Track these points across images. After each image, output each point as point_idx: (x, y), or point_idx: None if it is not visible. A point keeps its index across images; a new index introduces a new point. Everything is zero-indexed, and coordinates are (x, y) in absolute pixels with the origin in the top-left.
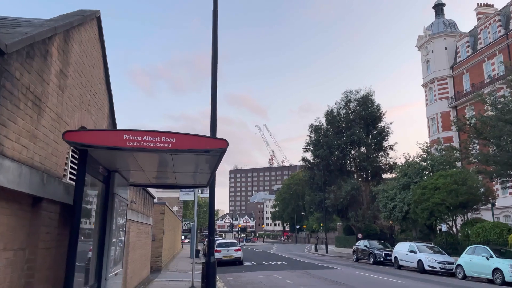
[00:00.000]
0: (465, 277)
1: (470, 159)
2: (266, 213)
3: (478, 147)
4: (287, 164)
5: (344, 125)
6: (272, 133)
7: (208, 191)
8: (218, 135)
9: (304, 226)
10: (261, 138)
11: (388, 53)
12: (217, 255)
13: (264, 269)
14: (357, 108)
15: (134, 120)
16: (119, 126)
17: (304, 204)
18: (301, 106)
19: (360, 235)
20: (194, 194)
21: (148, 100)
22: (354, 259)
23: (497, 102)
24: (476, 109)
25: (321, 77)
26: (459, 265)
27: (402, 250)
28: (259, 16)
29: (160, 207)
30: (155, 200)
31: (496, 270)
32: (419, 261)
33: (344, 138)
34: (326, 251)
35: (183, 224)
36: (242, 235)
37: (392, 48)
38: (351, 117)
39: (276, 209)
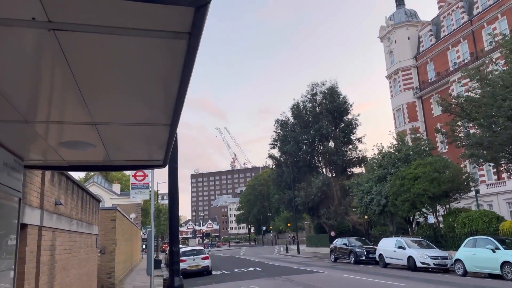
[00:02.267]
0: (465, 273)
1: (460, 142)
2: (230, 216)
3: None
4: (249, 166)
5: (311, 119)
6: (233, 135)
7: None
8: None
9: (271, 228)
10: (222, 141)
11: (350, 47)
12: (182, 265)
13: (237, 278)
14: (324, 100)
15: None
16: None
17: (270, 205)
18: (261, 107)
19: (333, 233)
20: (150, 191)
21: None
22: (332, 259)
23: (489, 78)
24: (442, 96)
25: (280, 78)
26: (458, 260)
27: (388, 246)
28: (214, 17)
29: (110, 213)
30: (103, 204)
31: (505, 263)
32: (410, 257)
33: (312, 132)
34: (298, 252)
35: (143, 233)
36: (207, 240)
37: (355, 41)
38: (317, 110)
39: (241, 211)
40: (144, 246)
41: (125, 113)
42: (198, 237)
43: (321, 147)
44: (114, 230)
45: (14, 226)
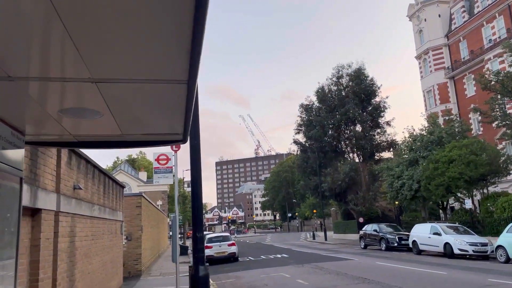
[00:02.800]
0: (508, 260)
1: (501, 121)
2: (255, 203)
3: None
4: (273, 153)
5: (337, 102)
6: (256, 123)
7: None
8: (201, 128)
9: (296, 214)
10: (246, 129)
11: (377, 28)
12: (208, 252)
13: (265, 265)
14: (350, 83)
15: None
16: None
17: (295, 191)
18: (284, 94)
19: (361, 219)
20: (174, 175)
21: None
22: (362, 246)
23: None
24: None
25: (304, 62)
26: (500, 247)
27: (422, 232)
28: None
29: (135, 200)
30: (128, 190)
31: None
32: (447, 244)
33: (338, 116)
34: (325, 239)
35: (170, 220)
36: (232, 227)
37: (381, 21)
38: (343, 94)
39: (266, 198)
40: (171, 233)
41: (129, 66)
42: (223, 223)
43: (348, 131)
44: (140, 216)
45: (15, 209)
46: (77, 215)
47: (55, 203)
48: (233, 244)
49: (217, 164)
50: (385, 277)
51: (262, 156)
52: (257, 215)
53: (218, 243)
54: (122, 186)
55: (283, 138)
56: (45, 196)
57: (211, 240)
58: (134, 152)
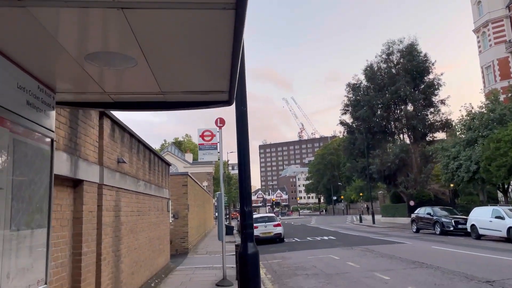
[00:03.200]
0: None
1: None
2: (299, 186)
3: None
4: (317, 136)
5: (386, 81)
6: (300, 105)
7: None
8: None
9: (342, 197)
10: (289, 112)
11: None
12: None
13: (311, 246)
14: (401, 60)
15: None
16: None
17: (340, 174)
18: (328, 75)
19: (412, 202)
20: (219, 152)
21: None
22: (414, 230)
23: None
24: None
25: (350, 41)
26: None
27: (482, 216)
28: None
29: (181, 179)
30: (174, 169)
31: None
32: (510, 228)
33: (388, 95)
34: (373, 222)
35: (215, 200)
36: (276, 209)
37: None
38: (394, 71)
39: (310, 181)
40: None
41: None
42: (268, 206)
43: (398, 111)
44: (186, 195)
45: (45, 173)
46: (121, 190)
47: (98, 175)
48: (278, 225)
49: (260, 147)
50: (445, 262)
51: (305, 139)
52: (301, 198)
53: (264, 224)
54: (168, 164)
55: (328, 121)
56: (87, 167)
57: (256, 220)
58: (180, 135)
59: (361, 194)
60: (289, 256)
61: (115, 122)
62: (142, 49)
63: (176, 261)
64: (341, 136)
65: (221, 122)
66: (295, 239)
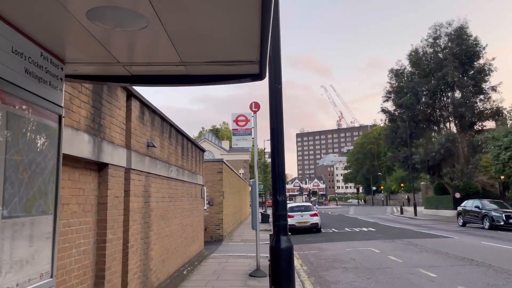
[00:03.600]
0: None
1: None
2: (337, 175)
3: None
4: (356, 124)
5: (432, 66)
6: (339, 93)
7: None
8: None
9: (382, 188)
10: (328, 99)
11: None
12: (289, 221)
13: (349, 238)
14: (449, 44)
15: (198, 88)
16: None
17: (380, 164)
18: (369, 61)
19: (457, 195)
20: (253, 138)
21: None
22: (460, 223)
23: None
24: None
25: (392, 26)
26: None
27: None
28: None
29: (216, 165)
30: (211, 156)
31: None
32: None
33: (433, 81)
34: (415, 214)
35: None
36: (313, 198)
37: None
38: (441, 56)
39: (349, 170)
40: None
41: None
42: (304, 194)
43: (445, 98)
44: (221, 182)
45: (51, 153)
46: (151, 175)
47: (125, 159)
48: (315, 215)
49: (297, 135)
50: (497, 259)
51: (344, 127)
52: (338, 187)
53: (300, 213)
54: (202, 150)
55: (368, 110)
56: (113, 150)
57: (292, 209)
58: (218, 122)
59: (402, 185)
60: (326, 248)
61: (145, 104)
62: (152, 4)
63: (210, 248)
64: (382, 125)
65: (256, 106)
66: (333, 229)
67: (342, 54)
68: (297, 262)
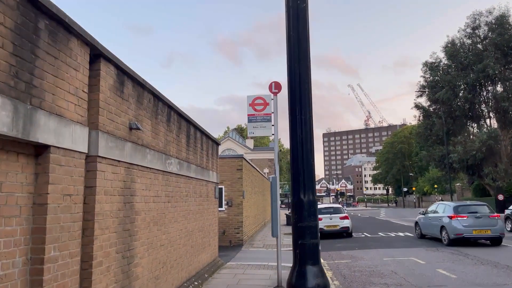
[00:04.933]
0: None
1: None
2: (365, 176)
3: None
4: (385, 124)
5: (471, 58)
6: (367, 93)
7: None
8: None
9: (413, 189)
10: (355, 99)
11: None
12: None
13: (386, 245)
14: (490, 34)
15: (224, 89)
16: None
17: (412, 164)
18: (397, 60)
19: (501, 197)
20: (273, 125)
21: (236, 69)
22: (509, 229)
23: None
24: None
25: (422, 21)
26: None
27: None
28: None
29: (235, 162)
30: (223, 149)
31: None
32: None
33: (472, 74)
34: None
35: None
36: (341, 199)
37: None
38: (480, 47)
39: (378, 171)
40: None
41: None
42: (332, 195)
43: (485, 92)
44: (241, 180)
45: None
46: (137, 167)
47: (87, 141)
48: (346, 217)
49: (324, 135)
50: None
51: (372, 127)
52: (367, 188)
53: (329, 215)
54: (216, 143)
55: (396, 109)
56: (59, 127)
57: (320, 211)
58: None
59: (435, 186)
60: (360, 256)
61: (125, 72)
62: None
63: (227, 255)
64: (415, 122)
65: (276, 87)
66: (365, 234)
67: (368, 53)
68: (328, 274)
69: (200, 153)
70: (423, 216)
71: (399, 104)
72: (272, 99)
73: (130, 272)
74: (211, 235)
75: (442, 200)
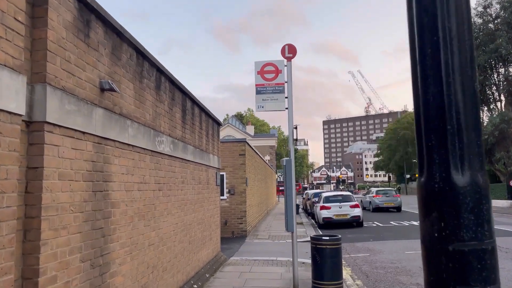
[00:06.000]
0: None
1: None
2: (366, 163)
3: None
4: (385, 111)
5: (482, 38)
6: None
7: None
8: (305, 87)
9: (417, 176)
10: (355, 86)
11: None
12: (325, 213)
13: (403, 235)
14: (502, 12)
15: (223, 77)
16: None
17: (415, 151)
18: (397, 45)
19: None
20: (287, 97)
21: (234, 56)
22: None
23: None
24: None
25: None
26: None
27: None
28: None
29: (238, 147)
30: (222, 135)
31: None
32: None
33: (483, 55)
34: None
35: (278, 176)
36: (342, 187)
37: None
38: (492, 27)
39: (380, 158)
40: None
41: None
42: (332, 183)
43: (496, 75)
44: (244, 166)
45: None
46: (114, 143)
47: (23, 98)
48: (356, 206)
49: (324, 123)
50: None
51: (373, 114)
52: (367, 175)
53: (338, 204)
54: (217, 122)
55: (397, 96)
56: None
57: (328, 199)
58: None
59: None
60: (378, 249)
61: (93, 10)
62: None
63: (230, 249)
64: None
65: (290, 51)
66: (375, 223)
67: (368, 38)
68: (345, 273)
69: (199, 132)
70: None
71: (400, 90)
72: (286, 66)
73: (105, 285)
74: (212, 227)
75: None
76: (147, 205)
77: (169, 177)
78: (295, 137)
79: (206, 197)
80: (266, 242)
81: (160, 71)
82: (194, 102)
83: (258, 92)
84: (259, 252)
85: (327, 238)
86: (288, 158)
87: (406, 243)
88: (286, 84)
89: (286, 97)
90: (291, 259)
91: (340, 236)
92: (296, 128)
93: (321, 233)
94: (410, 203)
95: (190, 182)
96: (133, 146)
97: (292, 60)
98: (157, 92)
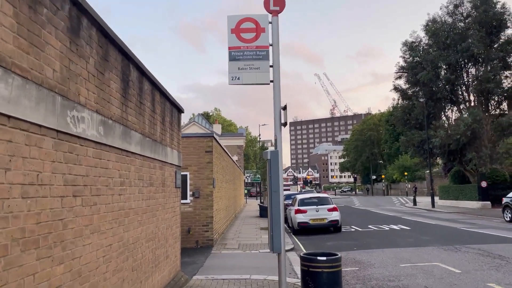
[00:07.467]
0: None
1: None
2: (331, 164)
3: None
4: (350, 113)
5: (453, 37)
6: (332, 82)
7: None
8: (271, 88)
9: (383, 177)
10: (321, 88)
11: None
12: (301, 217)
13: (388, 242)
14: (473, 11)
15: (188, 77)
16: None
17: (381, 152)
18: (360, 50)
19: (484, 183)
20: (272, 66)
21: (199, 56)
22: (508, 218)
23: None
24: None
25: (384, 14)
26: None
27: None
28: None
29: (204, 142)
30: (190, 129)
31: None
32: None
33: (454, 54)
34: (433, 205)
35: (246, 176)
36: (308, 188)
37: None
38: (463, 26)
39: (346, 159)
40: (246, 191)
41: None
42: (299, 184)
43: (465, 74)
44: (211, 165)
45: None
46: (13, 118)
47: None
48: (335, 209)
49: (291, 124)
50: None
51: (338, 116)
52: (332, 176)
53: (315, 207)
54: (178, 108)
55: (360, 100)
56: None
57: (303, 202)
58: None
59: (405, 173)
60: (366, 261)
61: None
62: None
63: (193, 263)
64: (395, 103)
65: (276, 2)
66: (353, 227)
67: (332, 41)
68: None
69: (151, 117)
70: None
71: (363, 94)
72: (271, 23)
73: None
74: (169, 242)
75: (416, 187)
76: (47, 223)
77: (97, 176)
78: (283, 121)
79: (161, 203)
80: (236, 253)
81: (109, 37)
82: (144, 74)
83: (232, 58)
84: (229, 268)
85: (324, 259)
86: (274, 149)
87: (396, 252)
88: (271, 48)
89: (271, 66)
90: (269, 278)
91: (340, 255)
92: (285, 109)
93: (296, 240)
94: (380, 204)
95: (135, 184)
96: (8, 117)
97: (279, 15)
98: (73, 38)
